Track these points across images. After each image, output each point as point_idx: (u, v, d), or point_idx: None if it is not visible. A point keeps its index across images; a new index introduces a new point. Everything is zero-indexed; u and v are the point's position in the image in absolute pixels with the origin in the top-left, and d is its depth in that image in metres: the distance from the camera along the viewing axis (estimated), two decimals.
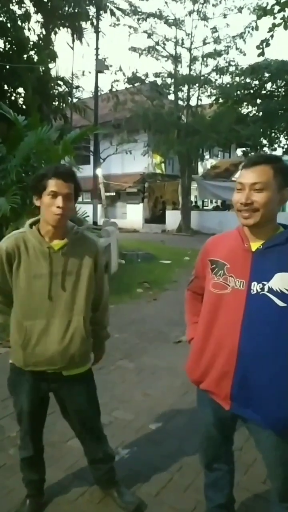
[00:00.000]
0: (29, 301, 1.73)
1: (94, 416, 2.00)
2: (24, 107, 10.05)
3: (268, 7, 6.70)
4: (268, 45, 7.09)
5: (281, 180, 1.42)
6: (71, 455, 2.48)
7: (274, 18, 6.72)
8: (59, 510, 2.07)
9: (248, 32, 16.30)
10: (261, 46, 7.09)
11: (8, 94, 10.45)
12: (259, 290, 1.43)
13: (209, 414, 1.66)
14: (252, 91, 19.03)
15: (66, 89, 12.12)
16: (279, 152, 20.74)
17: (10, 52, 10.01)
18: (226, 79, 18.38)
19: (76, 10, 11.62)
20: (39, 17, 11.48)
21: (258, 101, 19.30)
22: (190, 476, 2.31)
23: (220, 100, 18.57)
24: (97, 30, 13.52)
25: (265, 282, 1.42)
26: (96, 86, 14.58)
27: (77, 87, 12.85)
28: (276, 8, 6.61)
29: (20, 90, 10.64)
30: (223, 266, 1.54)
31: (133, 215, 22.01)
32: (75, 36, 12.37)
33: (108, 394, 3.25)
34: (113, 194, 22.43)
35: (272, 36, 7.01)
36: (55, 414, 2.01)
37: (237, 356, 1.46)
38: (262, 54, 7.21)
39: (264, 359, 1.42)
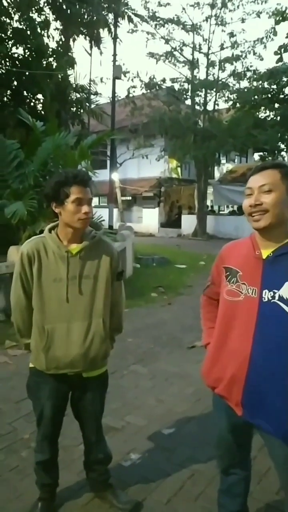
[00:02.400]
0: (49, 305, 1.78)
1: (101, 416, 2.05)
2: (42, 113, 10.21)
3: (286, 14, 6.66)
4: (286, 50, 7.05)
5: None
6: (82, 460, 2.47)
7: None
8: None
9: (268, 36, 16.21)
10: (279, 52, 7.05)
11: (27, 100, 10.62)
12: (270, 298, 1.42)
13: (223, 418, 1.65)
14: (270, 96, 18.85)
15: (84, 95, 12.26)
16: None
17: (30, 59, 10.18)
18: (244, 83, 18.34)
19: (94, 18, 11.77)
20: (58, 24, 11.67)
21: (276, 105, 19.11)
22: (202, 485, 2.29)
23: (238, 105, 18.47)
24: (115, 37, 13.64)
25: (276, 291, 1.42)
26: (114, 92, 14.70)
27: (95, 93, 12.96)
28: None
29: (39, 96, 10.80)
30: (236, 273, 1.55)
31: (149, 219, 22.05)
32: (93, 43, 12.52)
33: (120, 398, 3.25)
34: (129, 198, 22.53)
35: None
36: (67, 417, 2.02)
37: (249, 363, 1.45)
38: (280, 59, 7.16)
39: (275, 368, 1.41)
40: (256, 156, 24.48)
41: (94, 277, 1.81)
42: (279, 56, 6.99)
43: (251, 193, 1.45)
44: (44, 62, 10.49)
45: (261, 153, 22.00)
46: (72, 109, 11.79)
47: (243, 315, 1.49)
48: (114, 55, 14.20)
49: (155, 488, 2.26)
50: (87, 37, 12.40)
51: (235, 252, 1.61)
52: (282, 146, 19.20)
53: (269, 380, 1.42)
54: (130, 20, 13.45)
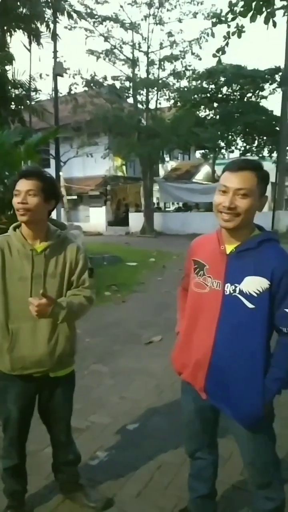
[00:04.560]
0: (14, 304, 1.74)
1: (70, 416, 2.04)
2: None
3: (223, 14, 6.88)
4: (224, 53, 7.29)
5: (262, 188, 1.49)
6: (50, 463, 2.44)
7: (229, 26, 6.92)
8: None
9: (204, 38, 16.72)
10: (217, 55, 7.28)
11: None
12: (231, 292, 1.51)
13: (190, 402, 1.74)
14: (209, 95, 19.55)
15: (24, 92, 11.88)
16: (236, 154, 21.43)
17: None
18: (184, 83, 18.77)
19: (32, 12, 11.42)
20: None
21: (215, 104, 19.84)
22: (170, 474, 2.35)
23: (179, 104, 18.91)
24: (54, 33, 13.34)
25: (236, 284, 1.50)
26: (56, 89, 14.41)
27: (36, 90, 12.59)
28: (230, 16, 6.81)
29: None
30: (203, 266, 1.62)
31: (96, 218, 21.90)
32: (31, 38, 12.16)
33: (84, 398, 3.23)
34: (75, 197, 22.21)
35: (227, 44, 7.22)
36: (32, 421, 1.99)
37: (212, 351, 1.55)
38: (219, 62, 7.41)
39: (236, 357, 1.51)
40: (198, 153, 25.25)
41: (59, 275, 1.80)
42: (217, 58, 7.17)
43: (226, 191, 1.47)
44: None
45: (203, 151, 22.75)
46: (11, 106, 11.38)
47: (208, 307, 1.57)
48: (55, 51, 13.92)
49: (125, 483, 2.29)
50: (25, 32, 12.01)
51: (203, 246, 1.68)
52: (222, 144, 19.98)
53: (231, 367, 1.53)
54: (70, 16, 13.23)
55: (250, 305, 1.48)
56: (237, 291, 1.50)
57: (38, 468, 2.37)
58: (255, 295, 1.47)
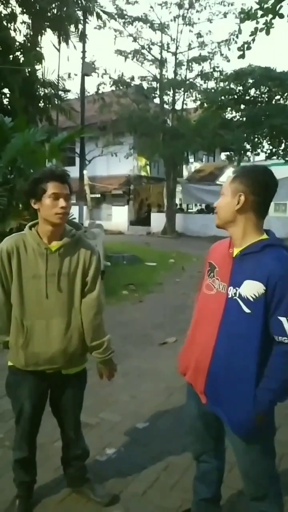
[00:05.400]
0: (28, 301, 1.80)
1: (80, 413, 2.09)
2: (9, 108, 9.98)
3: (252, 11, 6.79)
4: (249, 48, 7.16)
5: (235, 186, 1.52)
6: (58, 456, 2.50)
7: (257, 22, 6.82)
8: (48, 511, 2.10)
9: (233, 39, 16.58)
10: (242, 49, 7.17)
11: None
12: (233, 295, 1.51)
13: (193, 405, 1.75)
14: (236, 97, 19.30)
15: (52, 91, 12.09)
16: (262, 157, 21.10)
17: None
18: (211, 84, 18.66)
19: (63, 13, 11.61)
20: (25, 17, 11.43)
21: (242, 106, 19.59)
22: (176, 476, 2.37)
23: (205, 105, 18.78)
24: (83, 33, 13.51)
25: (237, 288, 1.51)
26: (83, 89, 14.58)
27: (64, 90, 12.78)
28: (259, 12, 6.71)
29: (6, 91, 10.56)
30: (214, 268, 1.65)
31: (118, 217, 22.03)
32: (61, 38, 12.35)
33: (94, 396, 3.28)
34: (98, 196, 22.41)
35: (253, 39, 7.11)
36: (43, 415, 2.05)
37: (212, 355, 1.55)
38: (242, 56, 7.29)
39: (233, 362, 1.50)
40: (223, 155, 25.00)
41: (72, 274, 1.85)
42: (241, 52, 7.07)
43: None
44: (11, 56, 10.26)
45: (228, 153, 22.50)
46: (39, 104, 11.60)
47: (213, 309, 1.59)
48: (84, 51, 14.08)
49: (131, 481, 2.32)
50: (55, 32, 12.21)
51: (218, 249, 1.71)
52: (248, 146, 19.71)
53: (228, 371, 1.52)
54: (99, 17, 13.37)
55: (246, 310, 1.47)
56: (237, 295, 1.50)
57: (47, 461, 2.44)
58: (251, 299, 1.46)
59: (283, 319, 1.42)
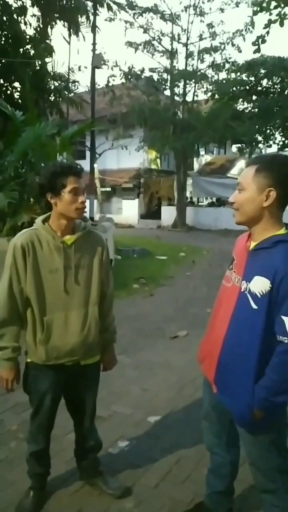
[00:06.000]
0: (46, 296, 1.80)
1: (95, 403, 2.10)
2: (19, 101, 9.98)
3: (264, 3, 6.66)
4: (264, 41, 7.05)
5: (261, 180, 1.44)
6: (72, 448, 2.52)
7: (270, 14, 6.68)
8: (61, 502, 2.12)
9: (248, 29, 16.29)
10: (256, 43, 7.06)
11: (4, 89, 10.36)
12: (244, 289, 1.50)
13: (207, 394, 1.77)
14: (248, 88, 19.03)
15: (63, 83, 12.05)
16: (274, 149, 20.82)
17: (6, 46, 9.90)
18: (222, 75, 18.41)
19: (73, 4, 11.52)
20: (35, 10, 11.37)
21: (254, 97, 19.32)
22: (188, 469, 2.37)
23: (216, 96, 18.56)
24: (94, 25, 13.41)
25: (248, 283, 1.49)
26: (93, 82, 14.48)
27: (74, 82, 12.74)
28: (272, 4, 6.58)
29: (16, 84, 10.55)
30: (233, 261, 1.65)
31: (128, 210, 22.01)
32: (71, 30, 12.27)
33: (106, 388, 3.29)
34: (108, 189, 22.41)
35: (268, 32, 6.97)
36: None
37: (222, 346, 1.57)
38: (258, 50, 7.18)
39: (240, 354, 1.51)
40: (234, 148, 24.74)
41: (88, 266, 1.87)
42: (256, 47, 6.96)
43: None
44: (22, 50, 10.23)
45: (239, 145, 22.26)
46: (50, 98, 11.57)
47: (228, 301, 1.59)
48: (94, 43, 13.97)
49: (144, 474, 2.33)
50: (66, 24, 12.14)
51: (240, 242, 1.69)
52: (260, 138, 19.46)
53: (234, 363, 1.53)
54: (109, 8, 13.25)
55: (254, 306, 1.45)
56: (247, 290, 1.48)
57: (61, 453, 2.46)
58: (259, 296, 1.43)
59: (285, 318, 1.39)
